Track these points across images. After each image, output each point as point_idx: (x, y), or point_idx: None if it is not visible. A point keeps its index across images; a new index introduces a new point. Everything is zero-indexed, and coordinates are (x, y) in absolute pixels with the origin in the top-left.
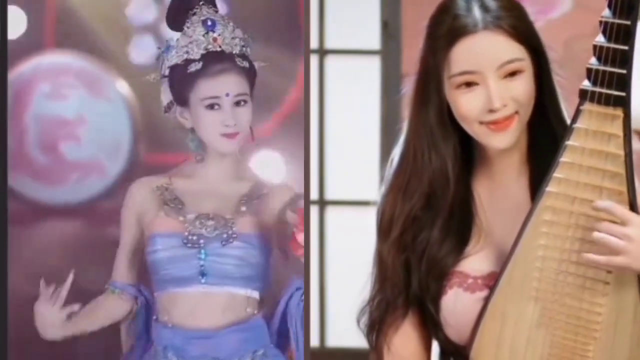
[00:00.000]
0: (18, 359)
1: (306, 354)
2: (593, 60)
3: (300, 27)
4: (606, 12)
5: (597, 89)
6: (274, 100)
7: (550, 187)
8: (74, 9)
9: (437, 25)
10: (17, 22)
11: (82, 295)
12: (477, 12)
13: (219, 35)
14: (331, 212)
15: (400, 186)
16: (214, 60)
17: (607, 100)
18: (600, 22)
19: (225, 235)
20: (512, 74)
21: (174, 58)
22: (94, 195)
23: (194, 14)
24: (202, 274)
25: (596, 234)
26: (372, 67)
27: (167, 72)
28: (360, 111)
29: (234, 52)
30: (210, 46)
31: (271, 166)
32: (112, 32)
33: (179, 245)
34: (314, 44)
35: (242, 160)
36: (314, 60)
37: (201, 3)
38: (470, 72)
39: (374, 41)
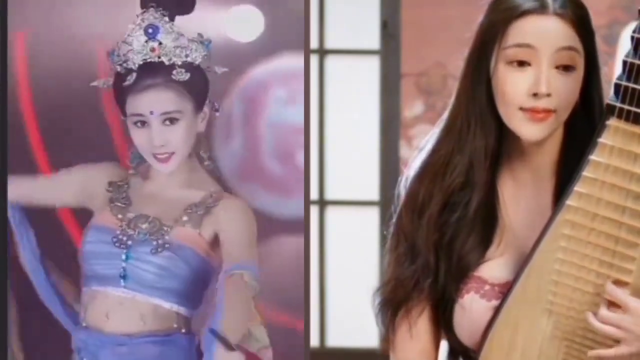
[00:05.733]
0: None
1: (306, 354)
2: (621, 75)
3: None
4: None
5: (626, 106)
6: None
7: (571, 201)
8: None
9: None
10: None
11: None
12: None
13: (159, 44)
14: (331, 212)
15: (443, 160)
16: (146, 73)
17: (636, 119)
18: (632, 37)
19: (155, 243)
20: (566, 67)
21: (116, 66)
22: None
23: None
24: (122, 276)
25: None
26: (372, 67)
27: (110, 80)
28: (360, 111)
29: (175, 62)
30: (147, 56)
31: None
32: None
33: (107, 242)
34: (314, 44)
35: (198, 169)
36: (314, 60)
37: (150, 5)
38: (526, 45)
39: (374, 41)
